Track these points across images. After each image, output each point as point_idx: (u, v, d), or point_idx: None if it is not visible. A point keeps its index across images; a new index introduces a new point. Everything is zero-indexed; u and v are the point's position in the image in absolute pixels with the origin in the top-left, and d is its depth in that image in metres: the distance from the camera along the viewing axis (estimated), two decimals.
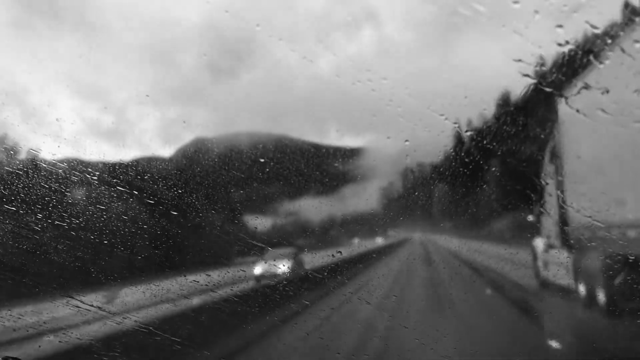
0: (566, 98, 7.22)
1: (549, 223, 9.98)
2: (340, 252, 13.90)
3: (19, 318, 6.17)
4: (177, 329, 5.63)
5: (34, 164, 7.28)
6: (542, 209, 10.20)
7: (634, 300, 6.48)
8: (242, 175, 17.42)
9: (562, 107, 8.58)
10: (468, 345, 5.69)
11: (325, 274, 8.72)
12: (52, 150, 8.42)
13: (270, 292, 8.19)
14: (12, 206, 6.75)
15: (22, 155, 8.51)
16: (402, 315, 7.93)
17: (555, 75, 6.53)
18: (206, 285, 7.01)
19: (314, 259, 10.87)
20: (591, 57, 5.79)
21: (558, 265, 9.21)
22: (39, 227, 6.59)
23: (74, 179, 7.21)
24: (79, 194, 7.89)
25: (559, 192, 8.77)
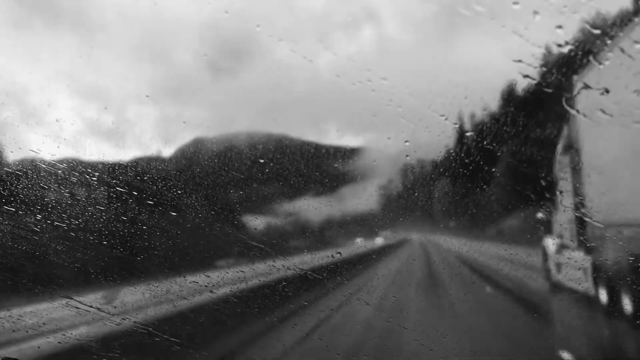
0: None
1: (562, 221, 9.24)
2: (340, 253, 13.89)
3: (18, 319, 6.16)
4: (177, 330, 5.63)
5: (33, 164, 7.28)
6: (553, 206, 9.58)
7: None
8: (242, 176, 17.41)
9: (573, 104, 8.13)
10: (468, 346, 5.69)
11: (325, 274, 8.71)
12: (51, 150, 8.43)
13: (270, 293, 8.18)
14: (12, 206, 6.75)
15: (22, 155, 8.51)
16: (402, 315, 7.92)
17: (555, 75, 6.53)
18: (205, 286, 7.00)
19: (313, 260, 10.85)
20: (591, 58, 5.78)
21: (573, 268, 8.45)
22: (38, 228, 6.58)
23: (74, 179, 7.21)
24: (79, 194, 7.88)
25: (575, 185, 8.15)
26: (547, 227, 10.29)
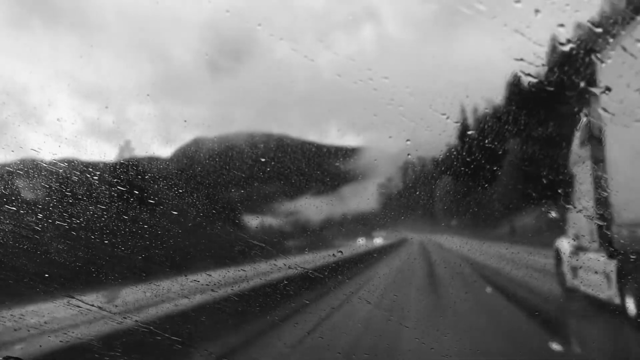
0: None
1: (579, 220, 8.28)
2: (341, 252, 13.92)
3: (20, 318, 6.16)
4: (178, 329, 5.63)
5: (34, 163, 7.29)
6: (568, 204, 8.58)
7: None
8: (243, 175, 17.42)
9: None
10: (468, 345, 5.69)
11: (326, 273, 8.72)
12: (52, 150, 8.46)
13: (271, 292, 8.19)
14: (13, 206, 6.76)
15: (23, 155, 8.52)
16: (403, 314, 7.92)
17: (557, 74, 6.51)
18: (207, 284, 7.01)
19: (314, 259, 10.86)
20: (593, 56, 5.77)
21: (593, 272, 7.63)
22: (39, 227, 6.59)
23: (75, 178, 7.22)
24: (80, 193, 7.89)
25: (597, 180, 7.24)
26: (560, 227, 9.40)
